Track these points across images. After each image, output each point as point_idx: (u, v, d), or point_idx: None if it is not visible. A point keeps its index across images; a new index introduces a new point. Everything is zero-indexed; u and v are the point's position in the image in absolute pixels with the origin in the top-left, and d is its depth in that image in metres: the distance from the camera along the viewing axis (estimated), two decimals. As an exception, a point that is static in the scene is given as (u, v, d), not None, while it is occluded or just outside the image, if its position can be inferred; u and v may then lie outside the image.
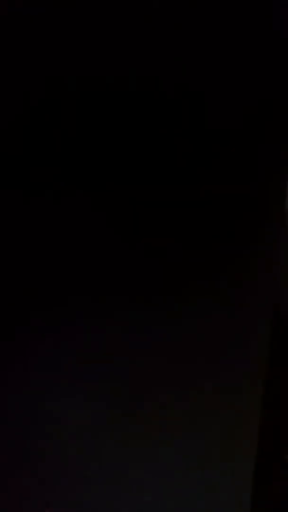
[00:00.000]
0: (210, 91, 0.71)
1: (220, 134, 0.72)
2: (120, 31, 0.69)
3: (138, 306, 0.74)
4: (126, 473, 0.76)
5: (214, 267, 0.74)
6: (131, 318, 0.74)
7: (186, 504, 0.75)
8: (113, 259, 0.73)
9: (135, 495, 0.76)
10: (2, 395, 0.74)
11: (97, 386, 0.75)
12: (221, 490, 0.76)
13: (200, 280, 0.74)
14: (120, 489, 0.76)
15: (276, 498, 0.85)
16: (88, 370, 0.74)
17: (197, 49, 0.70)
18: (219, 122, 0.72)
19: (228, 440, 0.76)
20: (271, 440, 0.91)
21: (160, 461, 0.76)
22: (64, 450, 0.75)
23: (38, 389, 0.74)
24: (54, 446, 0.75)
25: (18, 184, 0.71)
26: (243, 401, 0.75)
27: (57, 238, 0.72)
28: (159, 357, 0.75)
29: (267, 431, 0.84)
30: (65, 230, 0.72)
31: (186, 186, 0.73)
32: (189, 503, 0.76)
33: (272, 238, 0.73)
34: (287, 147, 0.73)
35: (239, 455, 0.76)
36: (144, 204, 0.73)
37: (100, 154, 0.71)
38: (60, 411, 0.75)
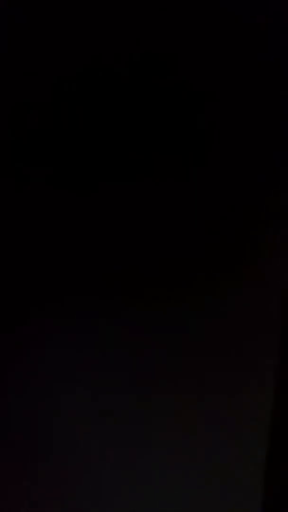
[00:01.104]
0: (210, 90, 0.71)
1: (222, 132, 0.72)
2: (119, 30, 0.68)
3: (141, 303, 0.74)
4: (130, 470, 0.76)
5: (219, 263, 0.74)
6: (134, 316, 0.74)
7: (194, 493, 0.76)
8: (114, 257, 0.73)
9: (140, 491, 0.76)
10: (4, 392, 0.74)
11: (99, 383, 0.75)
12: (230, 483, 0.76)
13: (205, 277, 0.74)
14: (124, 485, 0.76)
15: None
16: (91, 367, 0.75)
17: (197, 47, 0.70)
18: (221, 121, 0.72)
19: (237, 435, 0.76)
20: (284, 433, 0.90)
21: (164, 455, 0.76)
22: (66, 447, 0.75)
23: (38, 387, 0.75)
24: (55, 442, 0.75)
25: (16, 182, 0.71)
26: (252, 395, 0.75)
27: (56, 238, 0.73)
28: (164, 353, 0.75)
29: (280, 425, 0.84)
30: (64, 230, 0.73)
31: (187, 182, 0.73)
32: (198, 494, 0.76)
33: (279, 231, 0.73)
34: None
35: (250, 447, 0.76)
36: (144, 200, 0.73)
37: (99, 153, 0.71)
38: (61, 408, 0.75)
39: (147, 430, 0.76)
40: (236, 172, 0.73)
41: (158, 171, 0.72)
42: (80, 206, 0.72)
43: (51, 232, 0.72)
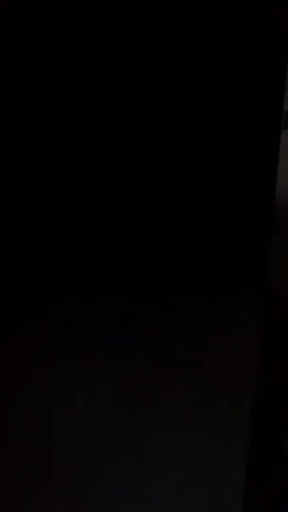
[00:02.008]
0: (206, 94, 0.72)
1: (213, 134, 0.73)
2: (119, 30, 0.69)
3: (130, 300, 0.74)
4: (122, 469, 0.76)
5: (203, 261, 0.75)
6: (120, 312, 0.74)
7: (180, 495, 0.76)
8: (107, 256, 0.74)
9: (133, 490, 0.76)
10: (2, 394, 0.74)
11: (91, 382, 0.75)
12: (215, 482, 0.76)
13: (189, 275, 0.75)
14: (118, 485, 0.76)
15: (272, 488, 0.85)
16: (84, 368, 0.75)
17: (197, 48, 0.71)
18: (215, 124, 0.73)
19: (220, 433, 0.76)
20: (269, 431, 0.91)
21: (152, 455, 0.76)
22: (62, 449, 0.76)
23: (36, 388, 0.75)
24: (54, 444, 0.76)
25: (15, 184, 0.71)
26: (234, 395, 0.76)
27: (55, 239, 0.73)
28: (151, 350, 0.75)
29: (264, 422, 0.85)
30: (63, 231, 0.73)
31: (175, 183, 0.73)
32: (183, 495, 0.76)
33: (262, 232, 0.74)
34: (275, 139, 0.74)
35: (232, 446, 0.76)
36: (136, 199, 0.73)
37: (98, 154, 0.71)
38: (58, 409, 0.75)
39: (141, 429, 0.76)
40: (232, 174, 0.74)
41: (156, 172, 0.73)
42: (78, 208, 0.72)
43: (48, 232, 0.72)
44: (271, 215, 0.75)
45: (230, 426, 0.76)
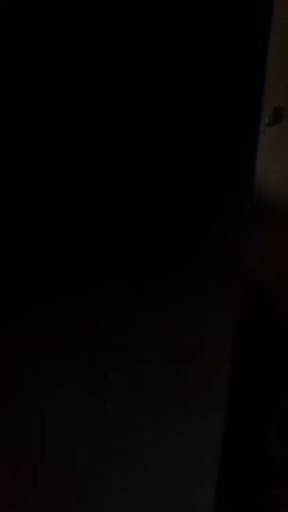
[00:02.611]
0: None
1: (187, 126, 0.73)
2: (118, 32, 0.69)
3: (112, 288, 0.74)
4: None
5: (184, 251, 0.74)
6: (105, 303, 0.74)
7: (150, 496, 0.76)
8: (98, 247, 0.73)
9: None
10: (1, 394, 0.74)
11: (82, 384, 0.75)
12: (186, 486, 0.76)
13: (169, 267, 0.74)
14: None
15: (257, 487, 0.85)
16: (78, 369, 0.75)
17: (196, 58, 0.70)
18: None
19: (194, 435, 0.76)
20: (255, 433, 0.91)
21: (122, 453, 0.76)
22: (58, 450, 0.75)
23: (34, 389, 0.74)
24: (50, 444, 0.75)
25: (13, 184, 0.71)
26: (209, 396, 0.75)
27: (54, 240, 0.72)
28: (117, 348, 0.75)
29: (249, 421, 0.84)
30: (61, 230, 0.72)
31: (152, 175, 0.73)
32: (154, 497, 0.76)
33: (242, 220, 0.74)
34: (255, 128, 0.73)
35: (205, 448, 0.76)
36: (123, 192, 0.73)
37: (96, 151, 0.71)
38: (55, 409, 0.75)
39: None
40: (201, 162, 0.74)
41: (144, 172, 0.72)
42: (74, 204, 0.72)
43: (47, 232, 0.72)
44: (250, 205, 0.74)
45: (204, 425, 0.76)
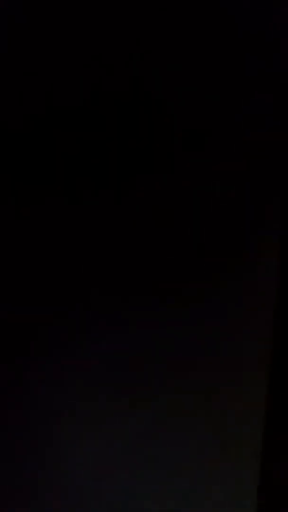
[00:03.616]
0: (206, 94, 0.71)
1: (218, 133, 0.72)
2: (119, 34, 0.69)
3: (138, 307, 0.73)
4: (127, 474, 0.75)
5: (214, 267, 0.73)
6: (130, 319, 0.74)
7: (189, 493, 0.74)
8: (112, 262, 0.73)
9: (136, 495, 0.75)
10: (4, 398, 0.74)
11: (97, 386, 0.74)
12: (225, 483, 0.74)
13: (200, 280, 0.73)
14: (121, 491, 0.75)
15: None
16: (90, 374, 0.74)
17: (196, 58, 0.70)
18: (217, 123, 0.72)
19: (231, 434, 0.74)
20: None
21: (161, 455, 0.75)
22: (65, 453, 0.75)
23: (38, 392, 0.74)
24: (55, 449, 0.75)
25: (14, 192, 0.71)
26: (246, 396, 0.74)
27: (57, 248, 0.72)
28: (159, 356, 0.74)
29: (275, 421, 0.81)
30: (64, 238, 0.72)
31: (182, 183, 0.72)
32: (193, 493, 0.74)
33: (273, 235, 0.72)
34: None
35: (244, 447, 0.74)
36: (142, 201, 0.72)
37: (97, 159, 0.71)
38: (61, 414, 0.74)
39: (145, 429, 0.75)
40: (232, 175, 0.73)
41: (154, 175, 0.72)
42: (77, 213, 0.72)
43: (49, 239, 0.72)
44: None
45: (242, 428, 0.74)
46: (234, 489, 0.74)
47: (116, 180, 0.72)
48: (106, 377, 0.74)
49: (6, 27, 0.66)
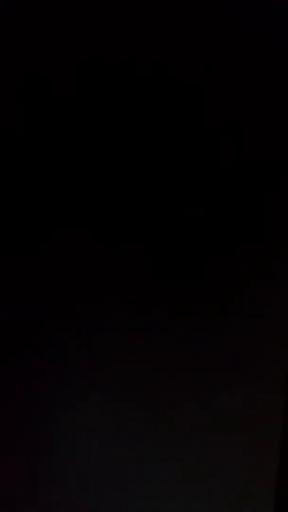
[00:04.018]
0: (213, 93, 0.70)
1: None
2: (119, 33, 0.68)
3: (151, 318, 0.73)
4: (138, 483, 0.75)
5: (232, 279, 0.73)
6: (147, 334, 0.73)
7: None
8: (121, 268, 0.73)
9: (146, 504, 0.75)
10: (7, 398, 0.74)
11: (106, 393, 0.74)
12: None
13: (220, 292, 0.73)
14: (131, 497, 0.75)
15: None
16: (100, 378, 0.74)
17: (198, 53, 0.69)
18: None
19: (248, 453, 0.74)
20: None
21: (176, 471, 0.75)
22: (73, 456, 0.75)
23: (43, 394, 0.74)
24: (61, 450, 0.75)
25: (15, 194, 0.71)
26: (264, 412, 0.73)
27: (59, 255, 0.72)
28: (178, 369, 0.74)
29: None
30: (64, 238, 0.72)
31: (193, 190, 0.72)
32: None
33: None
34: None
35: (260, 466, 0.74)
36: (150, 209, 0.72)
37: (99, 159, 0.71)
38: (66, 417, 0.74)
39: (152, 439, 0.75)
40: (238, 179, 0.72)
41: (159, 176, 0.71)
42: (81, 215, 0.72)
43: (51, 244, 0.72)
44: None
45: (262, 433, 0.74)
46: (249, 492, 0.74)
47: (119, 181, 0.71)
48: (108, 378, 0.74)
49: (5, 24, 0.65)
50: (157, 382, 0.74)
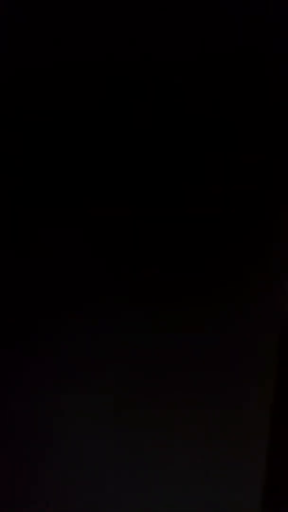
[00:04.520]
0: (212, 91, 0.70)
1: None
2: (119, 33, 0.68)
3: (143, 316, 0.73)
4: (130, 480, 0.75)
5: (218, 275, 0.73)
6: (139, 331, 0.73)
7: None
8: (115, 266, 0.73)
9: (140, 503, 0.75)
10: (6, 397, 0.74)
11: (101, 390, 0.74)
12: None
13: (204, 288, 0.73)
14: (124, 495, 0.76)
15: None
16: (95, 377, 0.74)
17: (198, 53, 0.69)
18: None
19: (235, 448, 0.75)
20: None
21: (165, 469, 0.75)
22: (68, 455, 0.75)
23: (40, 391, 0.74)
24: (57, 449, 0.75)
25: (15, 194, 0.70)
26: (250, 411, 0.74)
27: (59, 254, 0.72)
28: (166, 365, 0.74)
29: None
30: (65, 238, 0.72)
31: (188, 185, 0.72)
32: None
33: (278, 244, 0.72)
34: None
35: (247, 464, 0.75)
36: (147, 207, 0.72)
37: (99, 159, 0.71)
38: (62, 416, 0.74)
39: (147, 438, 0.75)
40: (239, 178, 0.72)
41: (159, 177, 0.71)
42: (81, 214, 0.71)
43: (51, 245, 0.72)
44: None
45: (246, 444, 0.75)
46: (237, 488, 0.75)
47: (119, 181, 0.71)
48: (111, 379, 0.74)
49: (5, 24, 0.65)
50: (157, 381, 0.75)
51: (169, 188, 0.72)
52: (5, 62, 0.66)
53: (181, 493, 0.75)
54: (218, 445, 0.75)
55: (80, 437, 0.75)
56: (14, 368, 0.73)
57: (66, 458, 0.75)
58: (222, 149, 0.71)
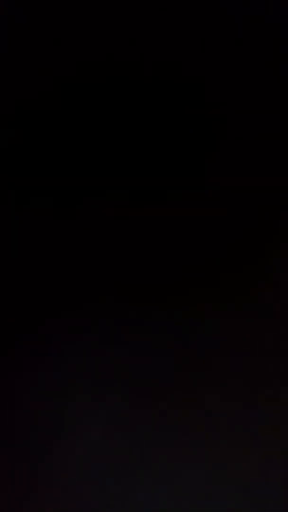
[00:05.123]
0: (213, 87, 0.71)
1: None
2: (120, 32, 0.68)
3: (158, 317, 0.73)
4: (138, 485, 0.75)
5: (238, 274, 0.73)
6: (138, 322, 0.73)
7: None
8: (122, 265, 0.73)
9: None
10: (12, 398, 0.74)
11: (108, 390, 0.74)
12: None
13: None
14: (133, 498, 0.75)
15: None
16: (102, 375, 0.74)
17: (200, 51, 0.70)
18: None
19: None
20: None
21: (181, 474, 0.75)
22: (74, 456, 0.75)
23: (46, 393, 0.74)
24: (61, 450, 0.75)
25: (16, 194, 0.71)
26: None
27: (59, 254, 0.72)
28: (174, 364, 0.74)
29: None
30: (65, 238, 0.72)
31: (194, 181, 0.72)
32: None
33: None
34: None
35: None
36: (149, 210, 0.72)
37: (100, 158, 0.71)
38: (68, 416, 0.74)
39: (152, 440, 0.75)
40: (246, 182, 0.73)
41: (162, 177, 0.72)
42: (83, 215, 0.72)
43: (52, 243, 0.72)
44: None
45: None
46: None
47: (119, 181, 0.71)
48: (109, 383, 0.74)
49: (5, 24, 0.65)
50: (157, 381, 0.75)
51: (169, 188, 0.72)
52: (5, 62, 0.66)
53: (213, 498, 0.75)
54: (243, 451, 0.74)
55: (85, 439, 0.75)
56: (14, 368, 0.73)
57: (66, 457, 0.75)
58: (222, 149, 0.72)
